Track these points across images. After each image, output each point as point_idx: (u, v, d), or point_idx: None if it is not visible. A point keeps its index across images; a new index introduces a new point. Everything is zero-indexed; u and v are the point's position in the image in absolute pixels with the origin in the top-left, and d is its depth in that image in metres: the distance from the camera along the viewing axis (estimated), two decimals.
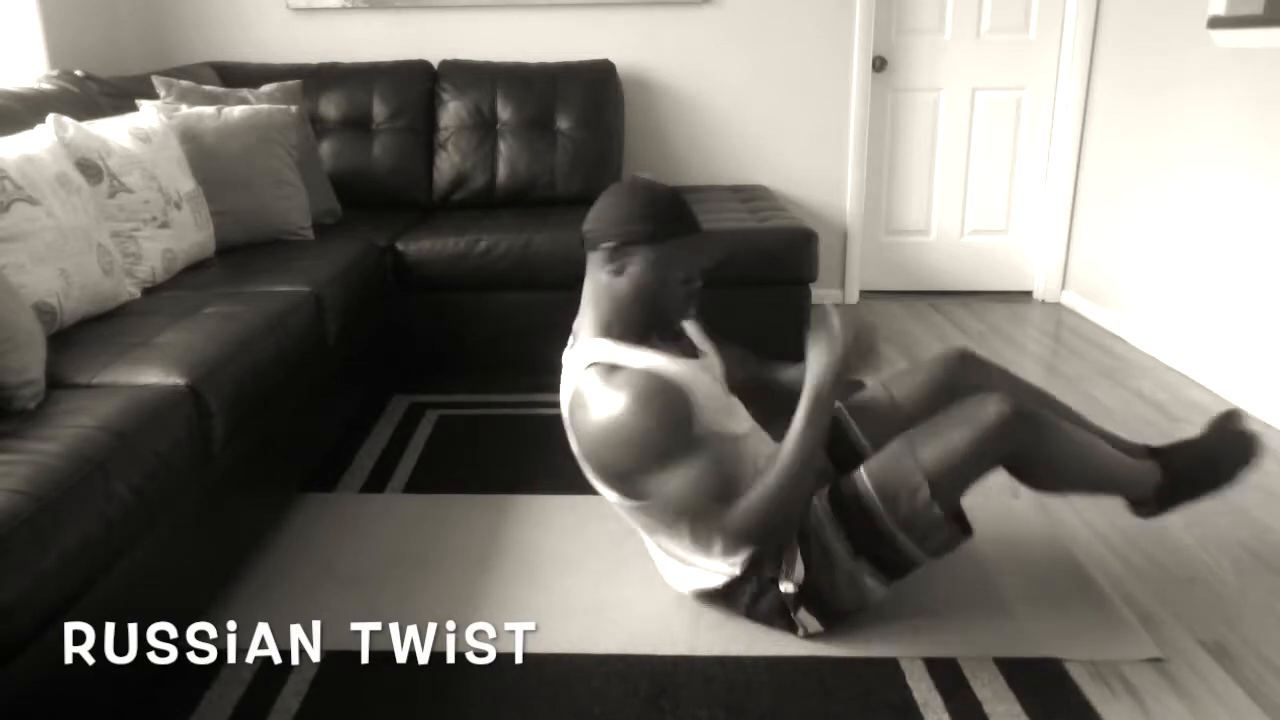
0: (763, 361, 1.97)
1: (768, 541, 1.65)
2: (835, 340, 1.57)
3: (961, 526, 1.68)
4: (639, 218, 1.61)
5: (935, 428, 1.67)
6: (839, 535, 1.66)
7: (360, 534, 2.17)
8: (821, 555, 1.66)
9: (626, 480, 1.64)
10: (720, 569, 1.73)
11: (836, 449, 1.84)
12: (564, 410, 1.72)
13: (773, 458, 1.61)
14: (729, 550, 1.70)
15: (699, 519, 1.65)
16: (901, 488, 1.62)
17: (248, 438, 1.93)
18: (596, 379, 1.61)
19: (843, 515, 1.66)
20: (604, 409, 1.59)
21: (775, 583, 1.69)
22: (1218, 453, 1.85)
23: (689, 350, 1.77)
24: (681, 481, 1.59)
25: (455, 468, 2.50)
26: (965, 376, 1.88)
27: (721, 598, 1.78)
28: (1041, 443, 1.69)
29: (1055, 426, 1.72)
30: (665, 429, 1.57)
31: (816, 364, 1.58)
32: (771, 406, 1.83)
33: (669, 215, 1.63)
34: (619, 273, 1.64)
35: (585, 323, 1.72)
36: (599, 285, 1.68)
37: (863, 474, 1.67)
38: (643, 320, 1.67)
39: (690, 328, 1.85)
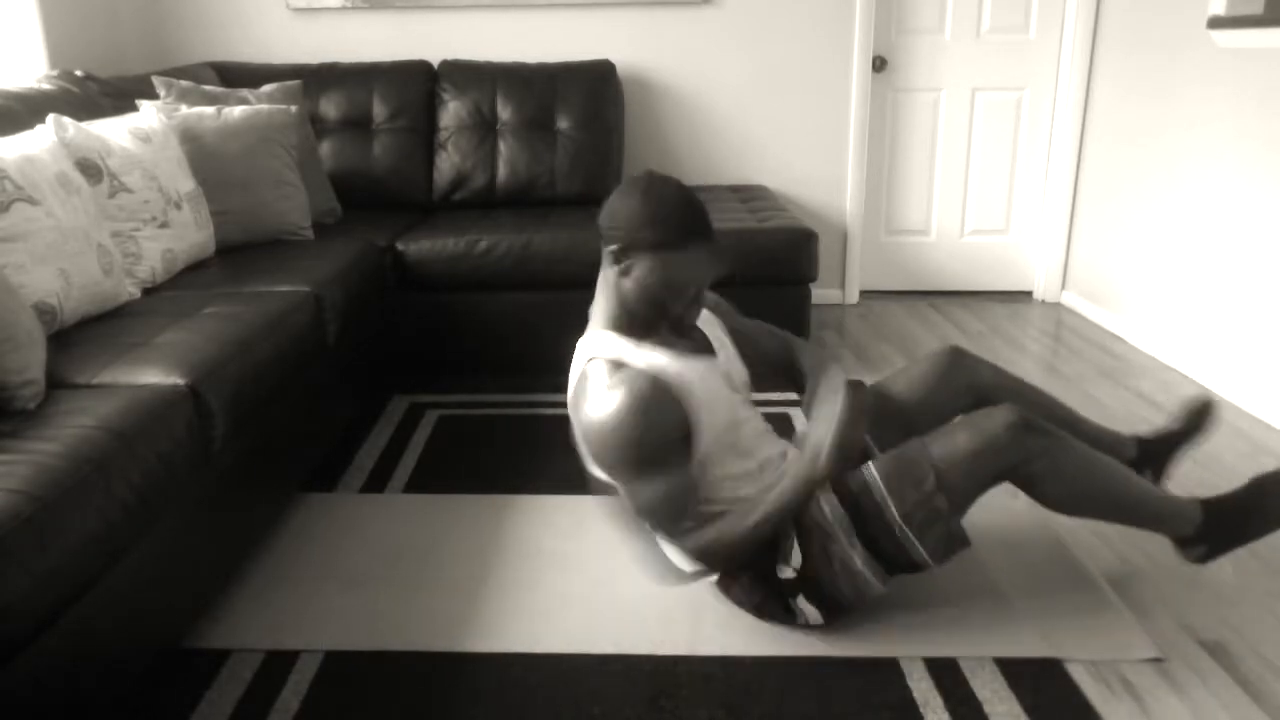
0: (786, 345, 1.98)
1: (712, 567, 1.73)
2: (838, 425, 1.58)
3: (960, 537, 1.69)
4: (647, 223, 1.59)
5: (946, 431, 1.70)
6: (842, 527, 1.67)
7: (360, 534, 2.17)
8: (821, 545, 1.67)
9: (609, 473, 1.67)
10: None
11: None
12: (569, 394, 1.74)
13: (745, 508, 1.66)
14: None
15: (659, 529, 1.70)
16: (908, 478, 1.64)
17: (248, 438, 1.93)
18: (600, 373, 1.63)
19: (848, 507, 1.68)
20: (600, 405, 1.60)
21: (774, 569, 1.70)
22: (1265, 498, 1.79)
23: (702, 346, 1.77)
24: (651, 494, 1.63)
25: (455, 468, 2.50)
26: (957, 369, 1.93)
27: (719, 582, 1.80)
28: (1050, 454, 1.66)
29: (1066, 440, 1.70)
30: (650, 440, 1.59)
31: (814, 443, 1.62)
32: (789, 385, 1.91)
33: (678, 223, 1.59)
34: (625, 273, 1.64)
35: (596, 312, 1.73)
36: (608, 280, 1.69)
37: (871, 467, 1.69)
38: (649, 318, 1.68)
39: (711, 324, 1.85)
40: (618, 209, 1.62)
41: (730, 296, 2.02)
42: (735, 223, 3.05)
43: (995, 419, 1.66)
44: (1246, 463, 2.44)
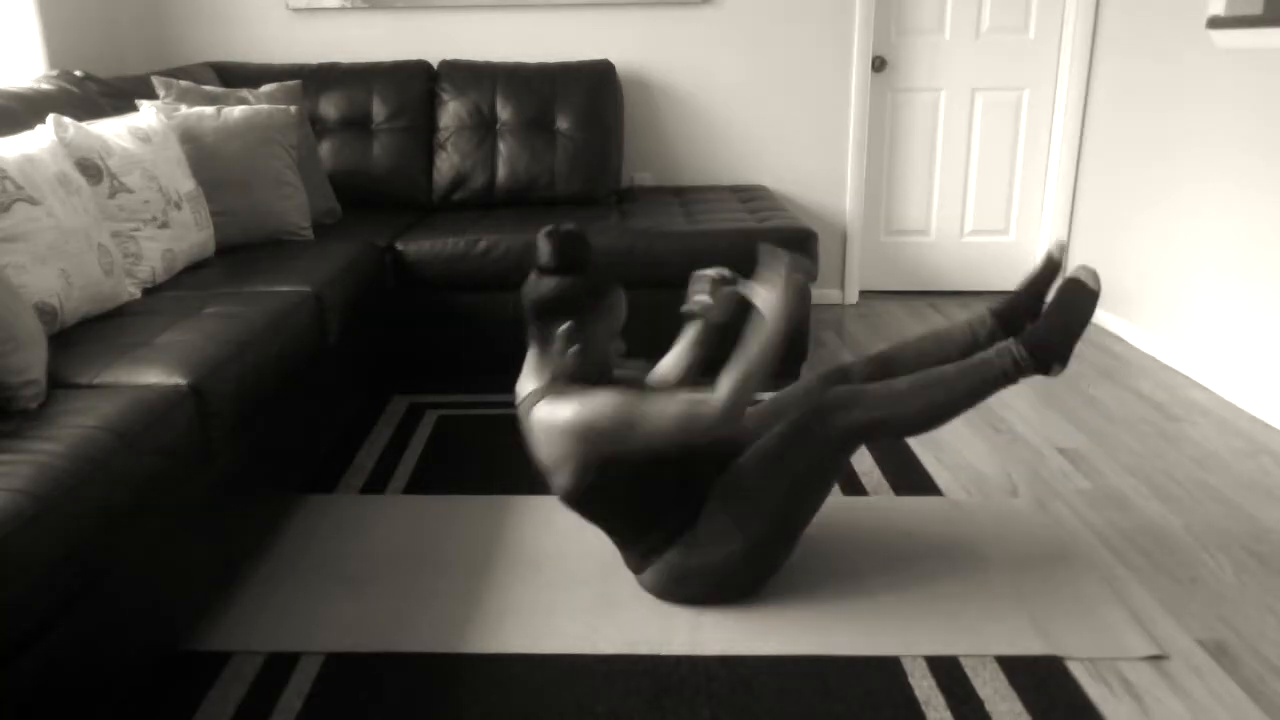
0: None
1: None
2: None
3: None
4: None
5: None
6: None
7: (360, 535, 2.17)
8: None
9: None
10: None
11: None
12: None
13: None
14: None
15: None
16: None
17: (248, 438, 1.93)
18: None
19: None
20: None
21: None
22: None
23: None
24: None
25: (455, 468, 2.50)
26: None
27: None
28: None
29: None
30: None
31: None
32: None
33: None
34: None
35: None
36: None
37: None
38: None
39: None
40: None
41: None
42: (735, 223, 3.05)
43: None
44: (1245, 462, 2.44)
